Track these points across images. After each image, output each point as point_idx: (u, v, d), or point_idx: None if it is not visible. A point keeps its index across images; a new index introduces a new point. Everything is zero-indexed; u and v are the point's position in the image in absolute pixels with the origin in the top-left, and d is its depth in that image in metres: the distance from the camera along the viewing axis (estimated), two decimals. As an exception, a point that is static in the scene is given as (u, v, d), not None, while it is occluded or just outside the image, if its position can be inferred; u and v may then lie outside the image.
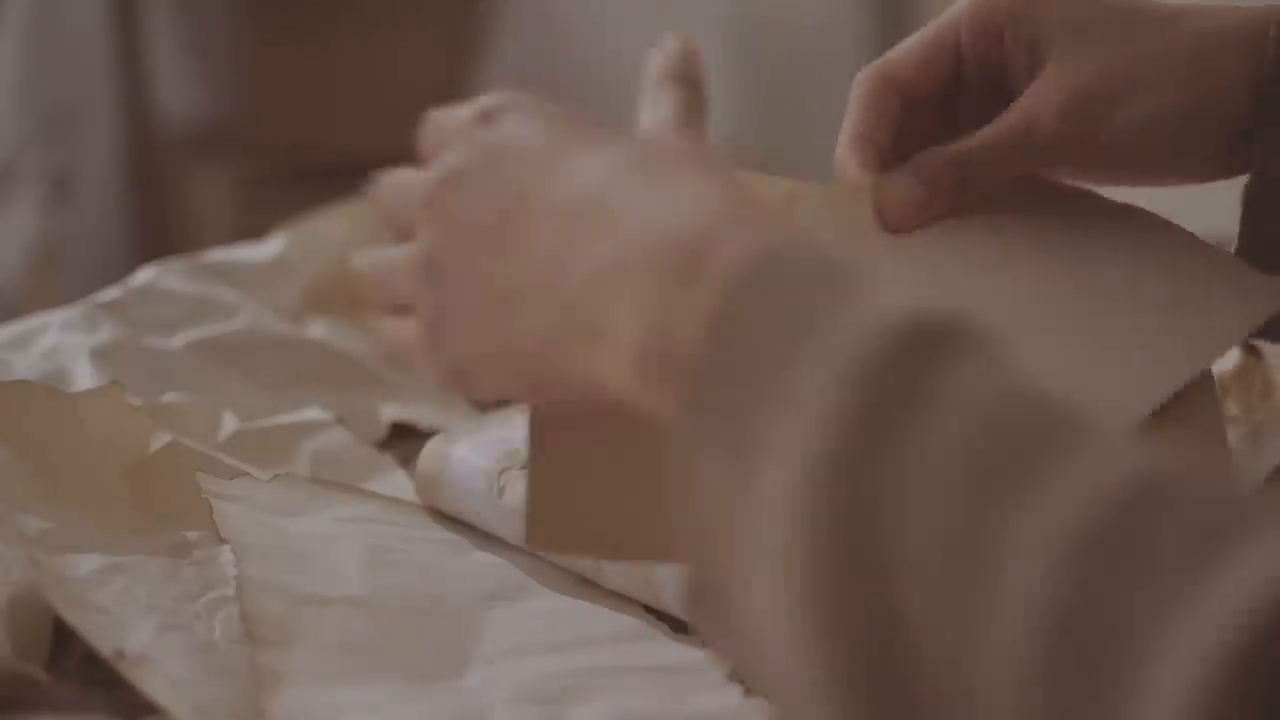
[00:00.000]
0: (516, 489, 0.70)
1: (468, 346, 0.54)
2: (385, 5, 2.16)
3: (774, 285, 0.46)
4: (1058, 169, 0.67)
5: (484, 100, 0.57)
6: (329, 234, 0.94)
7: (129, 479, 0.70)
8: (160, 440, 0.72)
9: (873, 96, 0.67)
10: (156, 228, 2.13)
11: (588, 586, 0.68)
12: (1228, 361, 0.79)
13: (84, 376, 0.79)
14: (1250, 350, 0.80)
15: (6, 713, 0.59)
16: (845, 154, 0.67)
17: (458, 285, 0.53)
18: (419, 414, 0.82)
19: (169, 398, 0.78)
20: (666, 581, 0.65)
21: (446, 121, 0.57)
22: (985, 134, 0.66)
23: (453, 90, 2.23)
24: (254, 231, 0.98)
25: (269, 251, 0.91)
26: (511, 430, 0.73)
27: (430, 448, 0.73)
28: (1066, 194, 0.67)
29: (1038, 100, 0.65)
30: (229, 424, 0.77)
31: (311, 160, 2.11)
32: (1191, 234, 0.66)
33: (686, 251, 0.47)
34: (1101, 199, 0.67)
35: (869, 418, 0.42)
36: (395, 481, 0.76)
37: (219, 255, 0.90)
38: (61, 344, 0.81)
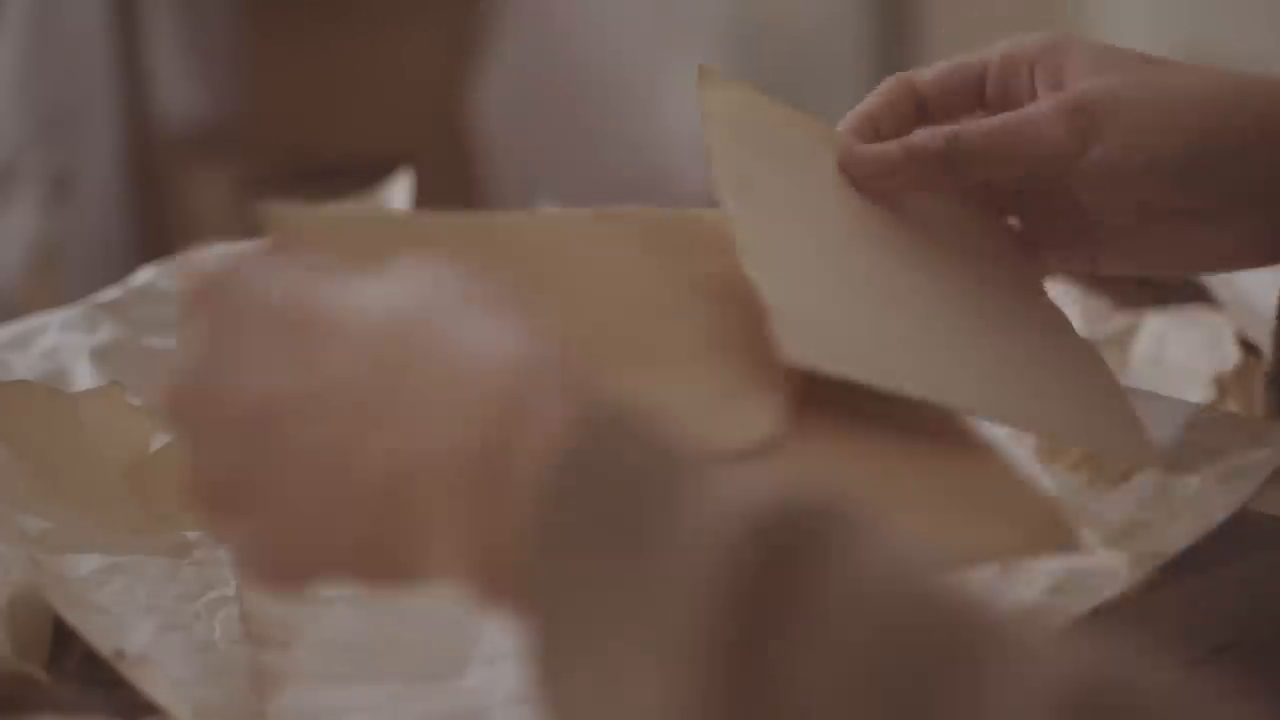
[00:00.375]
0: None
1: (265, 563, 0.47)
2: (385, 5, 2.16)
3: (596, 483, 0.40)
4: (1049, 177, 0.65)
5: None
6: (329, 234, 0.93)
7: (129, 479, 0.70)
8: (160, 440, 0.72)
9: (889, 90, 0.67)
10: (156, 228, 2.13)
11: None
12: (1228, 362, 0.79)
13: (84, 376, 0.79)
14: (1250, 350, 0.80)
15: (6, 713, 0.59)
16: (844, 127, 0.67)
17: (226, 509, 0.47)
18: (419, 414, 0.82)
19: (169, 398, 0.78)
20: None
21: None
22: (981, 121, 0.65)
23: (453, 90, 2.23)
24: (254, 231, 0.98)
25: (269, 251, 0.91)
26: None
27: (430, 448, 0.73)
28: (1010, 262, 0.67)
29: (1040, 101, 0.65)
30: (229, 424, 0.77)
31: (311, 160, 2.11)
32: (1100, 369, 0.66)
33: (490, 448, 0.42)
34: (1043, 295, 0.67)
35: (738, 643, 0.37)
36: (395, 481, 0.76)
37: (219, 255, 0.90)
38: (61, 344, 0.81)
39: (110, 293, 0.85)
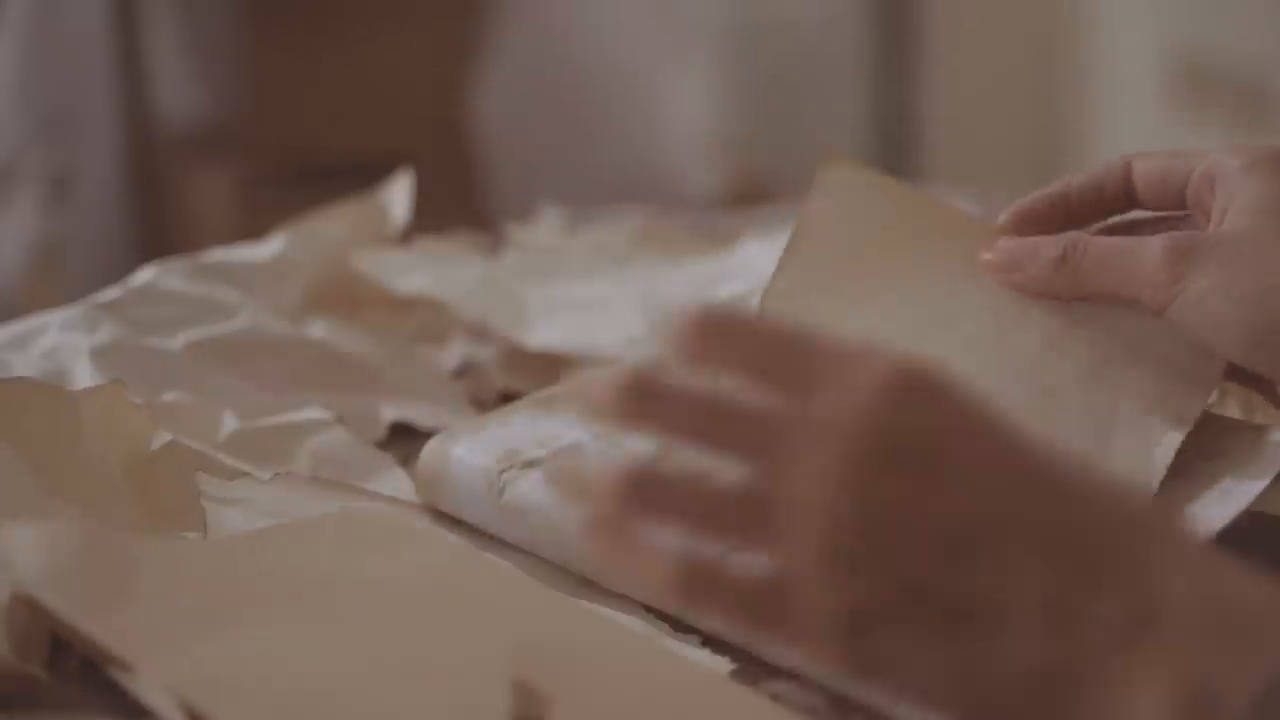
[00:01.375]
0: (516, 489, 0.70)
1: (903, 652, 0.48)
2: (385, 6, 2.16)
3: None
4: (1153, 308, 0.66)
5: (883, 370, 0.48)
6: (329, 234, 0.94)
7: (129, 478, 0.70)
8: (160, 440, 0.72)
9: (1099, 174, 0.69)
10: (156, 228, 2.13)
11: (588, 587, 0.68)
12: (1228, 362, 0.79)
13: (84, 376, 0.78)
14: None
15: (6, 713, 0.59)
16: (1026, 204, 0.70)
17: (896, 583, 0.48)
18: (419, 414, 0.82)
19: (169, 398, 0.78)
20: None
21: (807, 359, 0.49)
22: (1102, 240, 0.67)
23: (453, 90, 2.23)
24: (254, 231, 0.98)
25: (269, 251, 0.91)
26: (511, 430, 0.73)
27: (430, 448, 0.73)
28: None
29: (1155, 237, 0.66)
30: (229, 424, 0.77)
31: (311, 160, 2.11)
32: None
33: (1220, 621, 0.47)
34: None
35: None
36: (395, 481, 0.76)
37: (219, 255, 0.90)
38: (61, 344, 0.81)
39: (110, 293, 0.85)
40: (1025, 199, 0.70)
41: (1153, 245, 0.65)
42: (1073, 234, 0.68)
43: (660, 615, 0.66)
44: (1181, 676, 0.47)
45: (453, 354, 0.89)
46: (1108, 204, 0.70)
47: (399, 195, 0.98)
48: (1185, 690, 0.46)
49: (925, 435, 0.48)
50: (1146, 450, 0.65)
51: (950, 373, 0.49)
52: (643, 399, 0.50)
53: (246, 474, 0.72)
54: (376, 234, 0.96)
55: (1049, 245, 0.68)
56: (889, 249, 0.70)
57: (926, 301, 0.69)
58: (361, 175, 1.19)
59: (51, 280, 2.04)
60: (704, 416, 0.49)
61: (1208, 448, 0.68)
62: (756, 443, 0.49)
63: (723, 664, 0.62)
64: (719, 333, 0.49)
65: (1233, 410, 0.76)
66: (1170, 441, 0.66)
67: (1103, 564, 0.47)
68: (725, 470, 0.49)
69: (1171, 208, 0.69)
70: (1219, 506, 0.65)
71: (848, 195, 0.71)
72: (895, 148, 2.45)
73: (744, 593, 0.49)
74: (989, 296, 0.69)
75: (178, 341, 0.82)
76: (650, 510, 0.50)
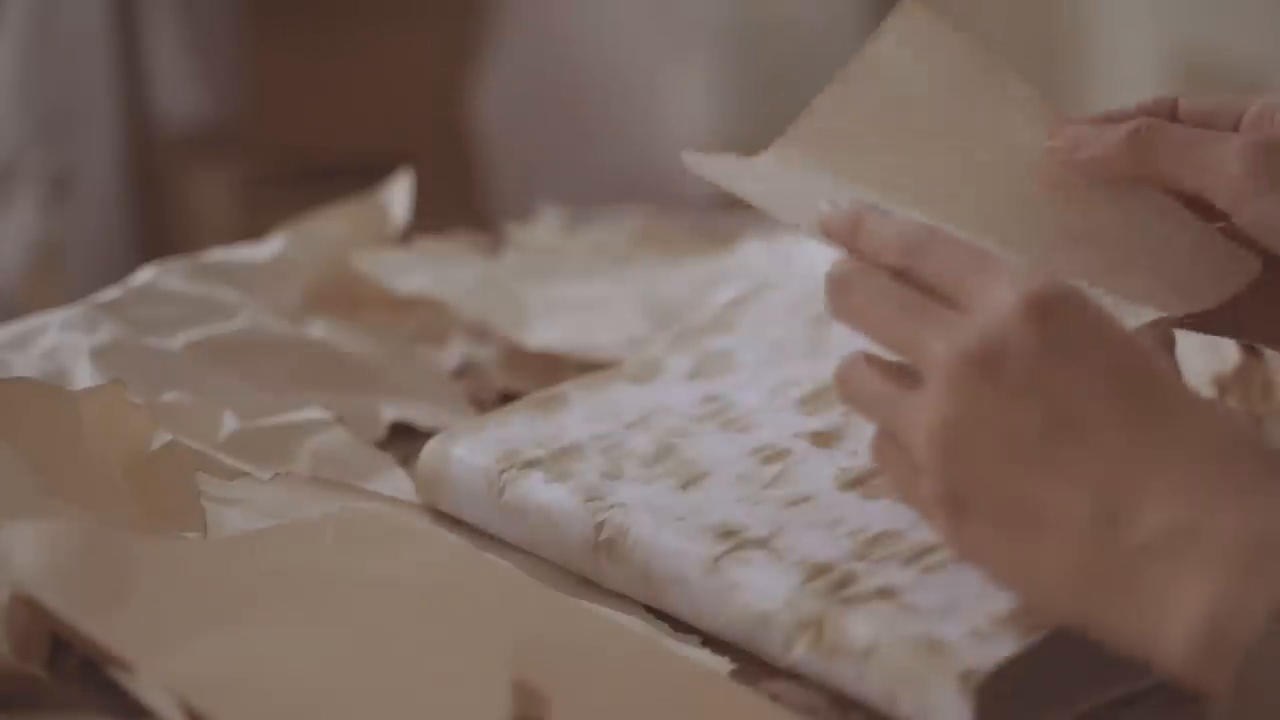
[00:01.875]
0: (516, 489, 0.70)
1: (985, 539, 0.55)
2: (385, 6, 2.16)
3: None
4: (1225, 206, 0.65)
5: (1031, 285, 0.55)
6: (329, 234, 0.94)
7: (129, 478, 0.70)
8: (160, 440, 0.72)
9: (1149, 102, 0.68)
10: (156, 228, 2.13)
11: (588, 586, 0.68)
12: (1228, 362, 0.79)
13: (84, 376, 0.78)
14: (1250, 351, 0.80)
15: (6, 713, 0.59)
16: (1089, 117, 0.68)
17: (980, 478, 0.55)
18: (419, 414, 0.82)
19: (169, 398, 0.78)
20: (668, 583, 0.65)
21: (981, 286, 0.56)
22: (1179, 126, 0.66)
23: (453, 90, 2.23)
24: (254, 231, 0.98)
25: (269, 251, 0.91)
26: (511, 430, 0.73)
27: (430, 448, 0.73)
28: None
29: (1239, 134, 0.65)
30: (229, 424, 0.77)
31: (311, 160, 2.11)
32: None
33: (1259, 547, 0.49)
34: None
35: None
36: (395, 481, 0.76)
37: (219, 255, 0.90)
38: (61, 344, 0.81)
39: (110, 293, 0.85)
40: (1065, 132, 0.68)
41: (1234, 142, 0.64)
42: (1146, 117, 0.66)
43: (660, 615, 0.66)
44: (1211, 593, 0.49)
45: (453, 354, 0.89)
46: None
47: (399, 195, 0.98)
48: (1212, 606, 0.49)
49: (1032, 352, 0.54)
50: None
51: (1081, 295, 0.55)
52: (835, 289, 0.59)
53: (246, 474, 0.72)
54: (376, 234, 0.96)
55: (1119, 126, 0.66)
56: (938, 103, 0.69)
57: (954, 167, 0.67)
58: (361, 175, 1.19)
59: (51, 280, 2.04)
60: (877, 307, 0.58)
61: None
62: (907, 337, 0.57)
63: (723, 664, 0.62)
64: (876, 232, 0.59)
65: (1232, 405, 0.76)
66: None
67: (1162, 475, 0.52)
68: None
69: None
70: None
71: (915, 40, 0.69)
72: (895, 148, 2.45)
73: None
74: (1021, 180, 0.67)
75: (178, 341, 0.82)
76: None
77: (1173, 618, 0.50)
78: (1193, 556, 0.50)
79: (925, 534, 0.64)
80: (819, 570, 0.63)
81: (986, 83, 0.69)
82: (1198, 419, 0.53)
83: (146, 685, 0.57)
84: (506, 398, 0.83)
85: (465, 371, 0.87)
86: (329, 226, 0.95)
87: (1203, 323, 0.66)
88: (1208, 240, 0.66)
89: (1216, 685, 0.49)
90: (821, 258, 0.92)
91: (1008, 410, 0.54)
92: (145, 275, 0.87)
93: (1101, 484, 0.52)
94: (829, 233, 0.61)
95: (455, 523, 0.72)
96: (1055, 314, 0.54)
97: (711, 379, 0.77)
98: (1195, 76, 2.09)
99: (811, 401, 0.74)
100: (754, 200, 0.66)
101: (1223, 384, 0.79)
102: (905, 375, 0.57)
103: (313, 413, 0.79)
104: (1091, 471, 0.52)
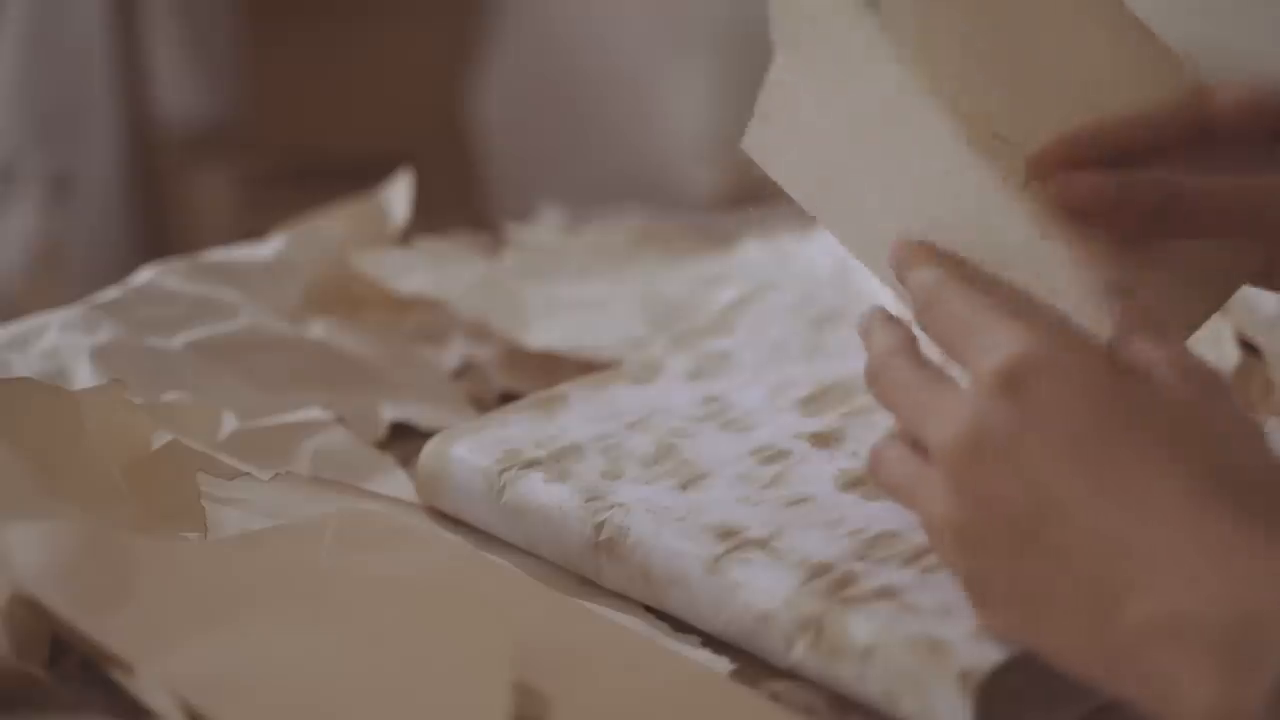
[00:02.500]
0: (516, 489, 0.70)
1: (1003, 622, 0.56)
2: (385, 6, 2.16)
3: None
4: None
5: (1006, 353, 0.55)
6: (329, 234, 0.94)
7: (129, 478, 0.70)
8: (160, 440, 0.72)
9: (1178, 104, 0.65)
10: (156, 228, 2.13)
11: (588, 586, 0.68)
12: (1228, 361, 0.79)
13: (84, 376, 0.79)
14: (1250, 350, 0.80)
15: (6, 713, 0.59)
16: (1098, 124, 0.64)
17: (989, 566, 0.55)
18: (419, 414, 0.82)
19: (169, 397, 0.78)
20: (668, 583, 0.65)
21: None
22: (1209, 181, 0.63)
23: (453, 90, 2.23)
24: (254, 231, 0.98)
25: (269, 251, 0.91)
26: (511, 430, 0.73)
27: (430, 448, 0.73)
28: None
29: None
30: (229, 424, 0.77)
31: (311, 160, 2.11)
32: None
33: (1244, 628, 0.49)
34: None
35: None
36: (395, 481, 0.76)
37: (219, 255, 0.90)
38: (61, 344, 0.81)
39: (110, 293, 0.85)
40: (1068, 134, 0.63)
41: (1276, 186, 0.62)
42: (1164, 177, 0.62)
43: (660, 615, 0.66)
44: (1206, 690, 0.49)
45: (453, 354, 0.89)
46: (1176, 136, 0.64)
47: (399, 195, 0.98)
48: (1209, 703, 0.49)
49: (1005, 431, 0.54)
50: None
51: (1057, 353, 0.54)
52: (869, 380, 0.60)
53: (246, 474, 0.72)
54: (376, 234, 0.96)
55: (1145, 188, 0.62)
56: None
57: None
58: (361, 175, 1.19)
59: (51, 280, 2.04)
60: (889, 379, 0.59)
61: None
62: (918, 426, 0.58)
63: (723, 664, 0.62)
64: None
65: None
66: None
67: (1143, 555, 0.51)
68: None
69: (1267, 136, 0.64)
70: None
71: None
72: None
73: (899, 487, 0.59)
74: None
75: (178, 341, 0.82)
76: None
77: (1177, 705, 0.50)
78: (1183, 646, 0.50)
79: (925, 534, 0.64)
80: (819, 570, 0.63)
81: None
82: (1167, 482, 0.52)
83: (146, 685, 0.57)
84: (506, 398, 0.83)
85: (465, 371, 0.87)
86: (329, 226, 0.95)
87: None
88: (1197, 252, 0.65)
89: None
90: (820, 258, 0.92)
91: (999, 495, 0.54)
92: (145, 275, 0.87)
93: (1090, 567, 0.52)
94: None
95: (455, 523, 0.72)
96: (1025, 384, 0.54)
97: (711, 380, 0.77)
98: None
99: (811, 403, 0.74)
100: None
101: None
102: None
103: (313, 413, 0.79)
104: (1079, 554, 0.52)
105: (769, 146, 0.66)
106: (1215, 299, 0.65)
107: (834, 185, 0.65)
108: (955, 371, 0.58)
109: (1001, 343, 0.55)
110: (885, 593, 0.61)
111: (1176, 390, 0.54)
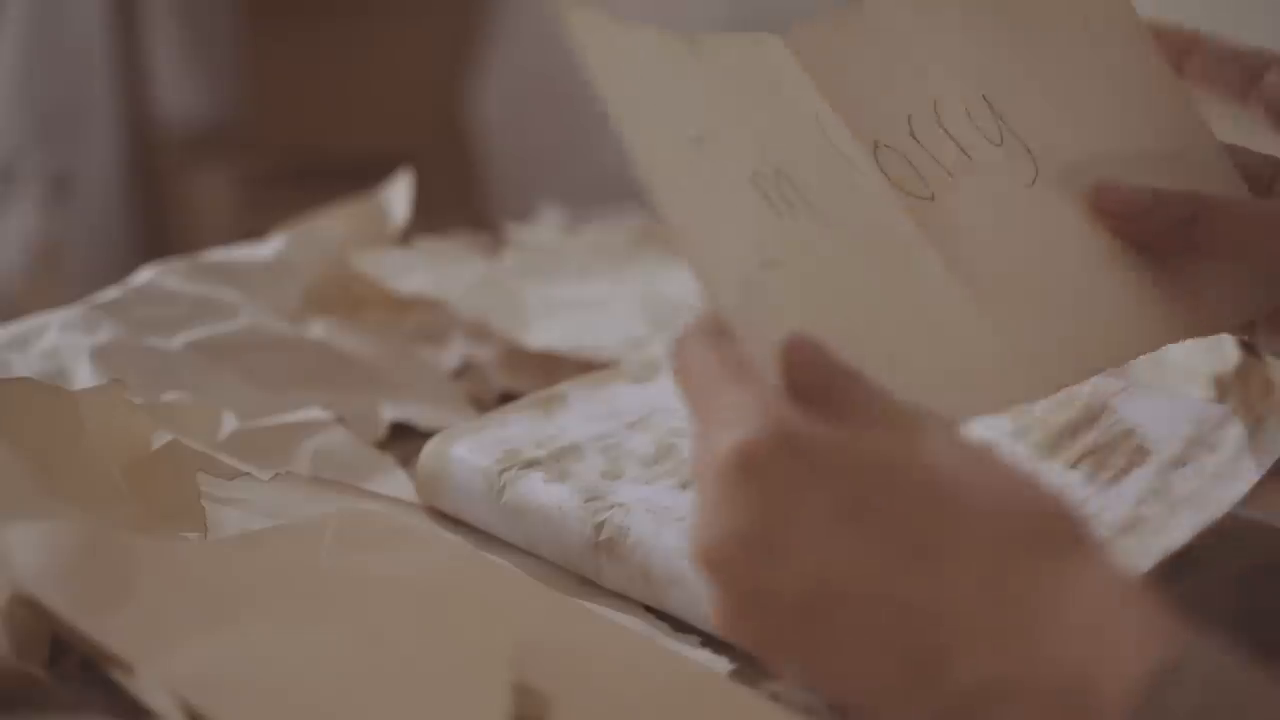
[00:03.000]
0: (516, 489, 0.70)
1: (786, 653, 0.50)
2: (385, 6, 2.16)
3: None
4: None
5: (787, 366, 0.50)
6: (329, 234, 0.94)
7: (129, 478, 0.70)
8: (160, 440, 0.72)
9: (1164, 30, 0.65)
10: (156, 228, 2.13)
11: (588, 586, 0.68)
12: (1229, 361, 0.79)
13: (84, 376, 0.79)
14: (1250, 351, 0.80)
15: (6, 713, 0.59)
16: None
17: (771, 595, 0.49)
18: (419, 414, 0.82)
19: (169, 397, 0.78)
20: (668, 583, 0.65)
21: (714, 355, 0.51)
22: (1237, 203, 0.64)
23: (453, 90, 2.23)
24: (254, 231, 0.98)
25: (269, 251, 0.91)
26: (511, 430, 0.73)
27: (430, 448, 0.73)
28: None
29: None
30: (229, 424, 0.77)
31: (311, 160, 2.11)
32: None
33: (1078, 680, 0.46)
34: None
35: None
36: (395, 481, 0.76)
37: (219, 255, 0.90)
38: (61, 344, 0.81)
39: (110, 293, 0.85)
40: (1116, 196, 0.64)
41: None
42: (1195, 195, 0.63)
43: (660, 615, 0.66)
44: (1061, 678, 0.46)
45: (453, 354, 0.89)
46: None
47: (399, 195, 0.98)
48: (1064, 692, 0.46)
49: (763, 507, 0.48)
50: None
51: (797, 442, 0.48)
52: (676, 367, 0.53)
53: (246, 474, 0.72)
54: (376, 234, 0.96)
55: (1177, 203, 0.63)
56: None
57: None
58: (361, 175, 1.19)
59: (51, 280, 2.04)
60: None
61: (1205, 442, 0.68)
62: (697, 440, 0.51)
63: (723, 664, 0.62)
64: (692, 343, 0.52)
65: (1232, 404, 0.76)
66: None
67: (959, 630, 0.47)
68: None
69: (1227, 90, 0.65)
70: (1217, 496, 0.65)
71: None
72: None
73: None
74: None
75: (178, 341, 0.83)
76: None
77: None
78: (1020, 709, 0.46)
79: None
80: (819, 570, 0.63)
81: None
82: (937, 547, 0.48)
83: (146, 685, 0.57)
84: (506, 398, 0.83)
85: (465, 371, 0.88)
86: (329, 226, 0.95)
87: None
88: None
89: None
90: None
91: (763, 574, 0.48)
92: (145, 275, 0.87)
93: (898, 636, 0.48)
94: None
95: (455, 523, 0.72)
96: (761, 470, 0.49)
97: (711, 379, 0.77)
98: (1195, 76, 2.09)
99: (811, 401, 0.74)
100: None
101: (1223, 384, 0.79)
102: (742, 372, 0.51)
103: (313, 413, 0.79)
104: (884, 622, 0.48)
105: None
106: (1270, 295, 0.65)
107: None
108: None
109: (739, 422, 0.49)
110: (885, 593, 0.61)
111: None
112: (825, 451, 0.48)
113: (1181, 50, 0.65)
